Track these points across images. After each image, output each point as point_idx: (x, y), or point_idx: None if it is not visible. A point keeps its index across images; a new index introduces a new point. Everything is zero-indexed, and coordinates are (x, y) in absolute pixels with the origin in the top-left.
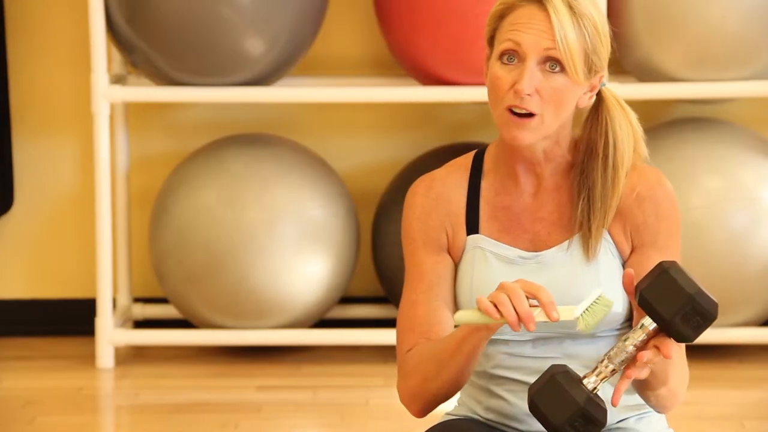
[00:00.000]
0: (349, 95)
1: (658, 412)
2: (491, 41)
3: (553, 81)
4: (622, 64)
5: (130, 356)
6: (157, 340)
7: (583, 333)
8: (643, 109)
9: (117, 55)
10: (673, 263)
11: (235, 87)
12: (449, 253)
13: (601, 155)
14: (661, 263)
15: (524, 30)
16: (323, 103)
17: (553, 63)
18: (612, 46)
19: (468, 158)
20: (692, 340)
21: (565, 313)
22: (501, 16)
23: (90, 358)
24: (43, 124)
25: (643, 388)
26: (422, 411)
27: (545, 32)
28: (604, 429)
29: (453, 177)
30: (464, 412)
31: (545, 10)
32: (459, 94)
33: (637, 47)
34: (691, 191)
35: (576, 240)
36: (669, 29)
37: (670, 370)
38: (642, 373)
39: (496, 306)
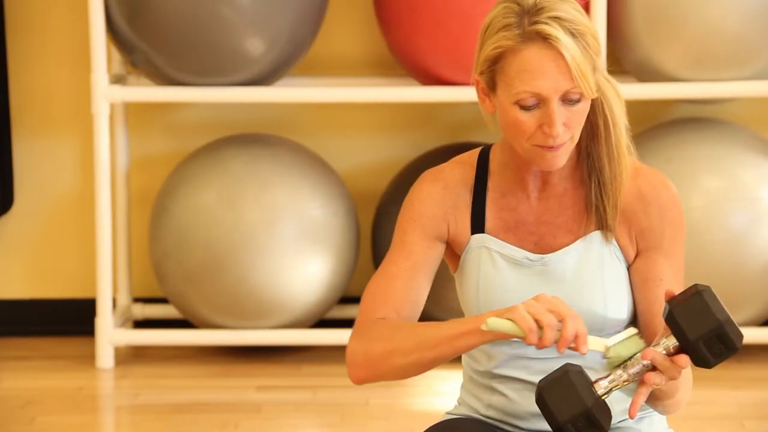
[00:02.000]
0: (349, 95)
1: (662, 414)
2: (491, 81)
3: (576, 109)
4: (622, 64)
5: (130, 356)
6: (157, 340)
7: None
8: (643, 109)
9: (117, 55)
10: (707, 288)
11: (235, 87)
12: (451, 245)
13: (603, 135)
14: (696, 285)
15: (539, 77)
16: (323, 103)
17: (573, 95)
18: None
19: (473, 156)
20: (710, 367)
21: (596, 344)
22: (498, 59)
23: (90, 358)
24: (43, 124)
25: (650, 398)
26: (365, 379)
27: (561, 73)
28: None
29: (459, 173)
30: (464, 411)
31: (552, 48)
32: (459, 94)
33: (637, 47)
34: (691, 191)
35: (591, 235)
36: (669, 29)
37: (679, 386)
38: (657, 380)
39: (539, 324)
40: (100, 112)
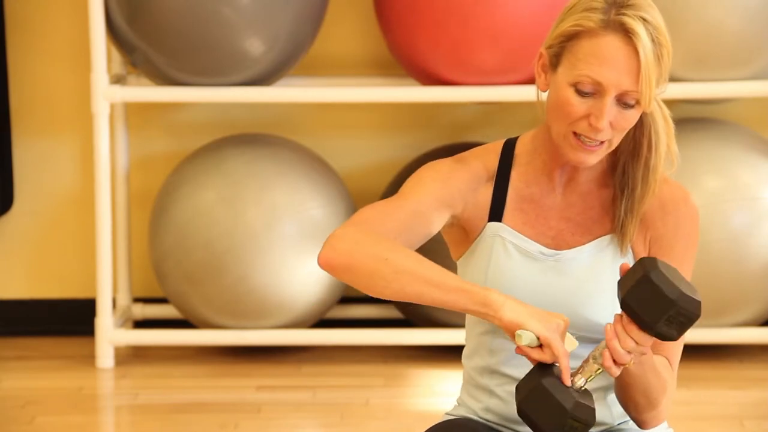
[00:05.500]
0: (349, 95)
1: (640, 427)
2: (557, 57)
3: (627, 114)
4: None
5: (130, 356)
6: (157, 340)
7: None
8: None
9: (117, 55)
10: (654, 265)
11: (235, 87)
12: (464, 228)
13: (644, 156)
14: (643, 263)
15: (606, 66)
16: (323, 103)
17: (630, 99)
18: None
19: (497, 146)
20: (676, 339)
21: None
22: (573, 36)
23: (90, 358)
24: (43, 124)
25: (631, 410)
26: (334, 268)
27: (629, 71)
28: (605, 429)
29: (482, 160)
30: (463, 413)
31: (630, 44)
32: (459, 94)
33: None
34: (691, 191)
35: (608, 239)
36: (669, 29)
37: (663, 389)
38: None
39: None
40: (100, 112)
